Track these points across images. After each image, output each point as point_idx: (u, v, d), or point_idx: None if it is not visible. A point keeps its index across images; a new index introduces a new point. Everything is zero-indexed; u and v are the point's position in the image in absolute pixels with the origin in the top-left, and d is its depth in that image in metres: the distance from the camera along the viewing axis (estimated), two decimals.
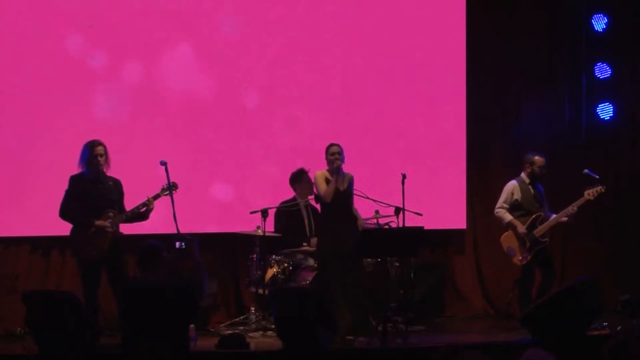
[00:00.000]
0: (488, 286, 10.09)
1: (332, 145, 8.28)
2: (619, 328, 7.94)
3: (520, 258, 8.65)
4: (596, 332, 7.86)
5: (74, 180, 7.88)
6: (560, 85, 10.27)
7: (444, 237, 10.02)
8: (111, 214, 7.82)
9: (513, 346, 7.46)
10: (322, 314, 7.14)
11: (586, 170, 8.98)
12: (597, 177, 8.93)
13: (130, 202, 8.01)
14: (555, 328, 7.27)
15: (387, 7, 9.80)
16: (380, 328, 7.66)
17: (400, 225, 8.34)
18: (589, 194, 8.72)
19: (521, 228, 8.65)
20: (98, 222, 7.76)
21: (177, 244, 8.04)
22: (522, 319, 7.80)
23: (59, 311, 6.82)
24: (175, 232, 7.78)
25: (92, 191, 7.81)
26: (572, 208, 8.72)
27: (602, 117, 10.12)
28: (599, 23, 10.09)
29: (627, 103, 10.27)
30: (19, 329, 8.46)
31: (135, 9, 9.21)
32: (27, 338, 7.72)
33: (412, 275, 8.97)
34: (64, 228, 8.18)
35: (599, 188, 8.72)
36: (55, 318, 6.79)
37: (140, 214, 7.93)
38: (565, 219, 8.75)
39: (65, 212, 7.84)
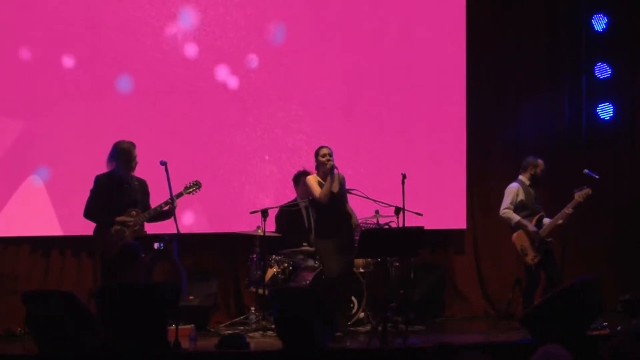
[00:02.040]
0: (488, 286, 10.08)
1: (322, 147, 8.27)
2: (619, 328, 7.94)
3: (531, 257, 8.66)
4: (596, 332, 7.86)
5: (100, 179, 7.88)
6: (560, 85, 10.27)
7: (444, 237, 10.02)
8: (134, 213, 7.81)
9: (513, 346, 7.46)
10: (322, 314, 7.15)
11: (586, 170, 8.99)
12: (597, 176, 8.94)
13: None
14: (555, 328, 7.27)
15: (388, 7, 9.80)
16: (380, 328, 7.66)
17: (400, 225, 8.34)
18: (579, 195, 8.75)
19: (532, 227, 8.67)
20: (120, 218, 7.74)
21: (156, 245, 8.03)
22: (522, 318, 7.81)
23: (59, 311, 6.83)
24: (175, 231, 7.77)
25: (117, 191, 7.81)
26: (568, 210, 8.75)
27: (602, 117, 10.12)
28: (599, 23, 10.08)
29: (627, 103, 10.27)
30: (19, 329, 8.47)
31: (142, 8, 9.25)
32: (27, 338, 7.71)
33: (412, 275, 8.97)
34: (64, 228, 8.20)
35: (587, 190, 8.74)
36: (55, 318, 6.80)
37: (163, 213, 7.89)
38: (560, 221, 8.77)
39: (90, 211, 7.83)
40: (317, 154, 8.26)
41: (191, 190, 8.00)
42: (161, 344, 6.59)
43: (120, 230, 7.71)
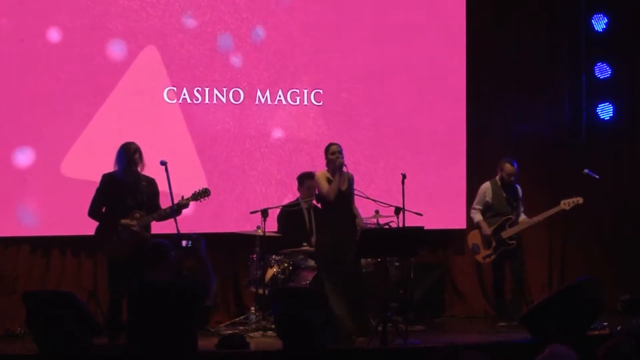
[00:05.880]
0: (488, 286, 10.07)
1: (332, 144, 8.27)
2: (619, 328, 7.94)
3: (483, 256, 8.87)
4: (596, 332, 7.86)
5: (105, 179, 7.89)
6: (560, 85, 10.27)
7: (444, 237, 10.02)
8: (137, 215, 7.81)
9: (513, 346, 7.46)
10: (322, 314, 7.15)
11: (586, 170, 9.00)
12: (597, 177, 8.95)
13: None
14: (555, 328, 7.27)
15: (388, 6, 9.80)
16: (380, 328, 7.65)
17: (400, 225, 8.34)
18: (565, 203, 8.80)
19: (486, 230, 8.86)
20: (124, 221, 7.75)
21: (184, 243, 8.03)
22: (522, 318, 7.81)
23: (59, 311, 6.83)
24: (176, 231, 7.77)
25: (122, 192, 7.80)
26: (544, 215, 8.83)
27: (602, 117, 10.12)
28: (599, 23, 10.08)
29: (627, 103, 10.27)
30: (19, 329, 8.45)
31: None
32: (27, 338, 7.71)
33: (412, 275, 8.98)
34: (65, 228, 8.19)
35: (576, 199, 8.77)
36: (55, 318, 6.80)
37: (169, 215, 7.90)
38: (529, 225, 8.90)
39: (93, 211, 7.86)
40: (327, 150, 8.23)
41: (200, 197, 7.98)
42: (190, 342, 6.59)
43: (124, 233, 7.71)
